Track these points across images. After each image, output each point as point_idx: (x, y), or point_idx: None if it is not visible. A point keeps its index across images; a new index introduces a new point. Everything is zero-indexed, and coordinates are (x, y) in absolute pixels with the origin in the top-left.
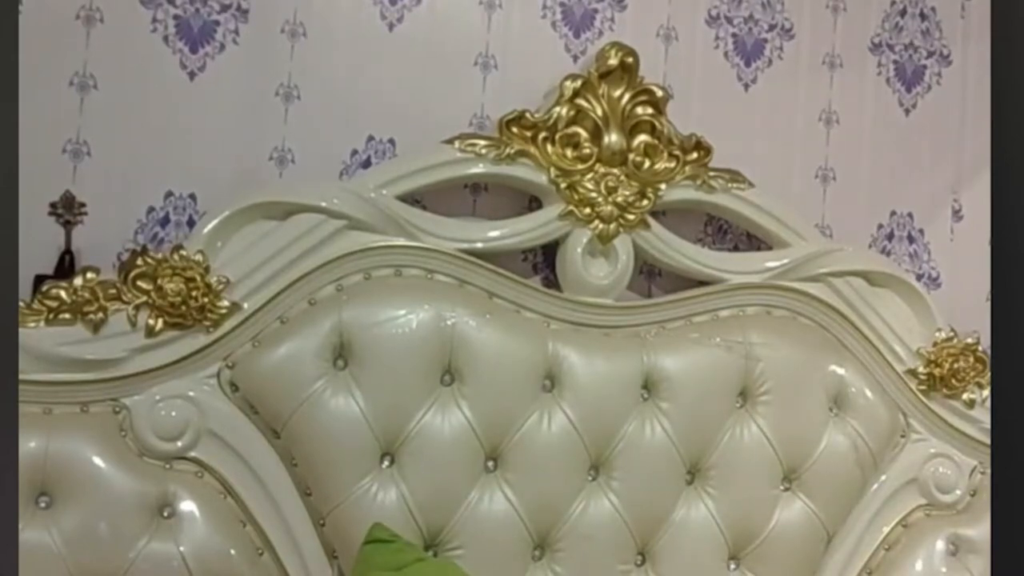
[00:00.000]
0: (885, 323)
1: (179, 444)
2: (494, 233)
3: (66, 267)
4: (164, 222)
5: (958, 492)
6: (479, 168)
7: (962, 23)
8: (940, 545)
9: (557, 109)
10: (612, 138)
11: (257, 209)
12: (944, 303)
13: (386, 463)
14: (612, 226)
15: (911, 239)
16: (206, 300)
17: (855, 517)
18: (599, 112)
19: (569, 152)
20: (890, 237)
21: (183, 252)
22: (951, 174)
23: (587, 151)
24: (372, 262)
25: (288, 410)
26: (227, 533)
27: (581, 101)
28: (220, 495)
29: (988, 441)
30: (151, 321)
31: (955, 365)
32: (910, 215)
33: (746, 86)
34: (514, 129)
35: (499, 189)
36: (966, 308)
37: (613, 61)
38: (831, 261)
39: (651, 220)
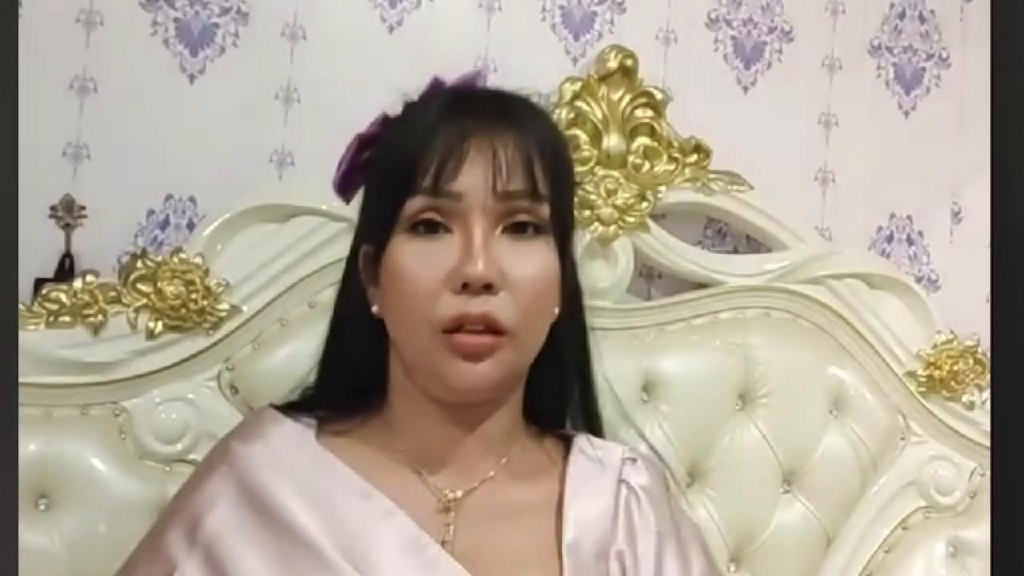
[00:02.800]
0: (885, 325)
1: (179, 447)
2: None
3: (66, 270)
4: (164, 225)
5: (958, 494)
6: None
7: (961, 26)
8: (940, 547)
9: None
10: (612, 141)
11: (257, 212)
12: (943, 305)
13: None
14: (612, 228)
15: (910, 241)
16: (206, 303)
17: (855, 519)
18: (599, 115)
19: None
20: (889, 239)
21: (183, 255)
22: (950, 176)
23: (587, 154)
24: None
25: None
26: None
27: (581, 104)
28: None
29: (988, 443)
30: (151, 324)
31: (955, 367)
32: (909, 217)
33: (745, 88)
34: None
35: None
36: (965, 310)
37: (613, 64)
38: (831, 263)
39: (651, 223)
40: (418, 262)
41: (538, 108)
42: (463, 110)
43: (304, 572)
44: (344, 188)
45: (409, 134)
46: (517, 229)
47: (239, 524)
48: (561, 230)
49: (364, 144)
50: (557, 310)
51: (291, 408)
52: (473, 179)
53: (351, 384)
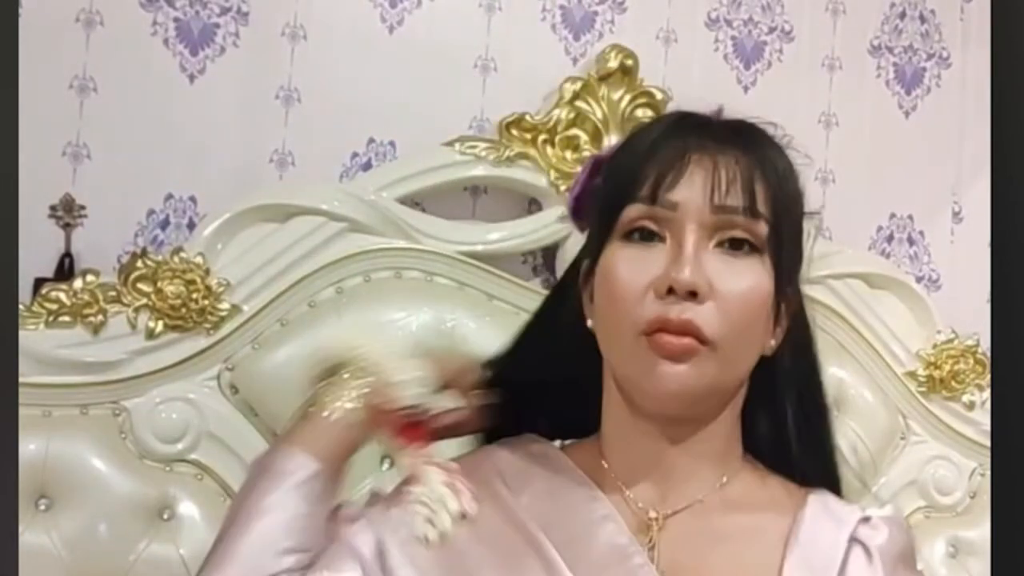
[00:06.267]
0: (885, 325)
1: (179, 446)
2: (494, 235)
3: (66, 270)
4: (164, 224)
5: (958, 494)
6: (479, 170)
7: (961, 25)
8: (940, 547)
9: (557, 111)
10: (612, 140)
11: (257, 212)
12: (944, 305)
13: (386, 465)
14: None
15: (911, 241)
16: (206, 303)
17: None
18: (599, 114)
19: (569, 154)
20: (890, 239)
21: (183, 255)
22: (951, 176)
23: (587, 153)
24: (372, 264)
25: (288, 412)
26: None
27: (581, 103)
28: (220, 497)
29: (988, 443)
30: (151, 323)
31: (955, 367)
32: (910, 217)
33: (745, 88)
34: (514, 131)
35: (499, 191)
36: (966, 310)
37: (613, 63)
38: (831, 263)
39: None
40: (629, 267)
41: (769, 135)
42: (688, 128)
43: (521, 558)
44: (578, 211)
45: (633, 148)
46: (732, 245)
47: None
48: (781, 257)
49: (598, 165)
50: (774, 343)
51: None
52: (691, 191)
53: (570, 403)
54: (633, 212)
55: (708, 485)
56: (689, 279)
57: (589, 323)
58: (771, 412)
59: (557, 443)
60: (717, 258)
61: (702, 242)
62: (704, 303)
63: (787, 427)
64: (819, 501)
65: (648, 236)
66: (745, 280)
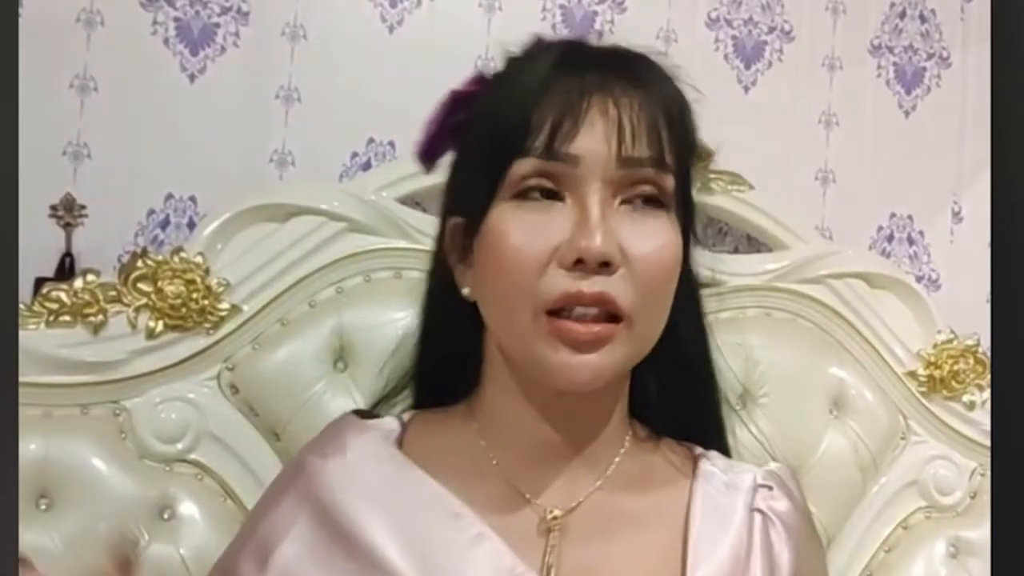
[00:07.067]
0: (885, 325)
1: (179, 446)
2: None
3: (66, 269)
4: (164, 224)
5: (958, 494)
6: None
7: (962, 25)
8: (940, 547)
9: None
10: None
11: (257, 211)
12: (944, 305)
13: None
14: None
15: (911, 241)
16: (206, 302)
17: (855, 519)
18: None
19: None
20: (890, 239)
21: (183, 254)
22: (951, 176)
23: None
24: (372, 264)
25: (288, 412)
26: (227, 535)
27: None
28: (220, 497)
29: (988, 443)
30: (151, 323)
31: (955, 367)
32: (910, 217)
33: (746, 88)
34: None
35: None
36: (966, 310)
37: None
38: (831, 263)
39: None
40: (524, 233)
41: (664, 69)
42: (581, 64)
43: None
44: (429, 154)
45: (518, 87)
46: (639, 203)
47: (314, 553)
48: (687, 211)
49: (459, 102)
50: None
51: (380, 402)
52: (593, 142)
53: (446, 380)
54: (525, 168)
55: (605, 466)
56: (601, 248)
57: (465, 291)
58: (661, 375)
59: (395, 423)
60: (624, 218)
61: (607, 201)
62: (616, 272)
63: (677, 390)
64: (709, 467)
65: (543, 195)
66: (656, 240)
